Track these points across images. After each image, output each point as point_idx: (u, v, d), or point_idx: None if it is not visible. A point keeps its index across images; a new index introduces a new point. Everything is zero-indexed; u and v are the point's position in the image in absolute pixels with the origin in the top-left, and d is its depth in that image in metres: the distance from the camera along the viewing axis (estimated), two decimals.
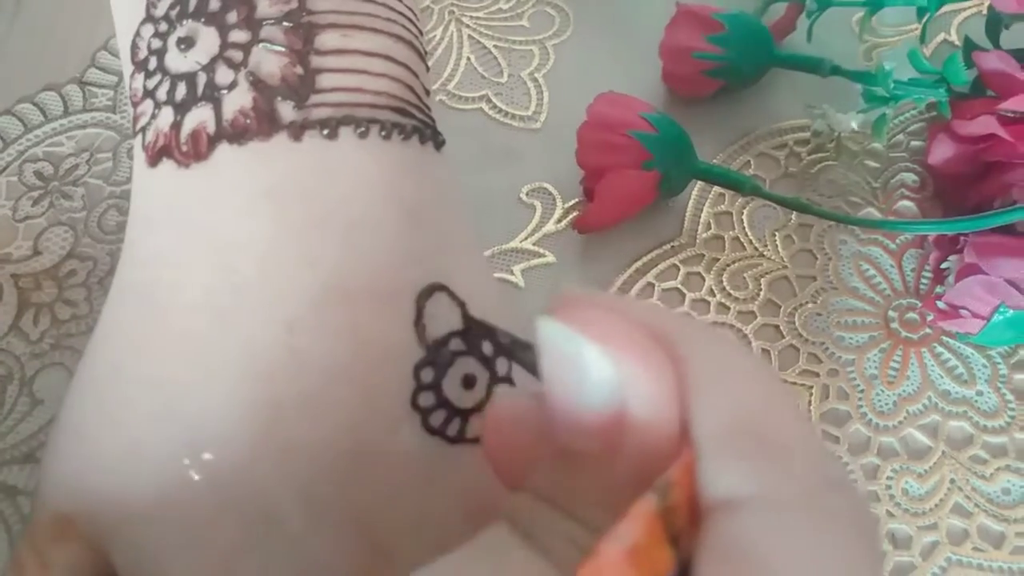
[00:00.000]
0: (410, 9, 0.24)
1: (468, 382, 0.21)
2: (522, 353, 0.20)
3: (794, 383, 0.30)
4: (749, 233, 0.34)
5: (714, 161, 0.35)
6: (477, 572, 0.14)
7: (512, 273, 0.33)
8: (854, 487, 0.25)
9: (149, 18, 0.23)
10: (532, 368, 0.18)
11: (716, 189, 0.35)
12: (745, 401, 0.14)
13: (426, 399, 0.20)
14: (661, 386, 0.14)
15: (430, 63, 0.38)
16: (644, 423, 0.14)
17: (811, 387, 0.30)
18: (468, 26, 0.39)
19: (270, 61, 0.21)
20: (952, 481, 0.29)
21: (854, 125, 0.34)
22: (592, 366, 0.14)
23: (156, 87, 0.22)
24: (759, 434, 0.14)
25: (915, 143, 0.36)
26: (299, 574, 0.19)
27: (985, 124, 0.31)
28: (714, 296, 0.32)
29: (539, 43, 0.39)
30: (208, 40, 0.22)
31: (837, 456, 0.29)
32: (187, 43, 0.22)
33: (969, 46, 0.34)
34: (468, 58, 0.38)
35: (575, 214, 0.34)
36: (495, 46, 0.39)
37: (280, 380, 0.19)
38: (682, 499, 0.14)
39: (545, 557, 0.14)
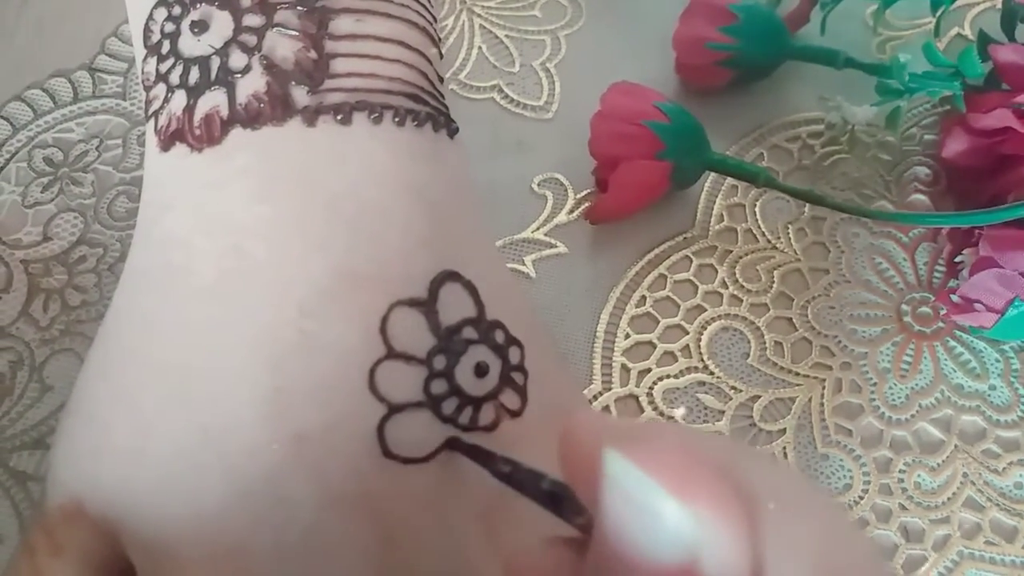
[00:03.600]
0: None
1: (480, 370, 0.21)
2: (527, 481, 0.18)
3: (806, 376, 0.30)
4: (762, 225, 0.33)
5: (727, 153, 0.35)
6: None
7: (523, 263, 0.33)
8: None
9: (162, 1, 0.23)
10: (540, 497, 0.17)
11: (729, 181, 0.34)
12: (822, 546, 0.14)
13: (438, 386, 0.20)
14: (738, 539, 0.13)
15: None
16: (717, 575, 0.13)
17: (823, 380, 0.30)
18: (479, 15, 0.39)
19: (284, 45, 0.21)
20: (964, 475, 0.29)
21: (868, 118, 0.34)
22: (669, 518, 0.13)
23: (169, 71, 0.22)
24: None
25: (929, 136, 0.36)
26: (311, 558, 0.19)
27: (1000, 117, 0.31)
28: (727, 288, 0.32)
29: (551, 33, 0.39)
30: (222, 24, 0.22)
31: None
32: (201, 27, 0.22)
33: (984, 39, 0.34)
34: (480, 47, 0.38)
35: (587, 204, 0.34)
36: (507, 36, 0.38)
37: (291, 364, 0.19)
38: None
39: None
